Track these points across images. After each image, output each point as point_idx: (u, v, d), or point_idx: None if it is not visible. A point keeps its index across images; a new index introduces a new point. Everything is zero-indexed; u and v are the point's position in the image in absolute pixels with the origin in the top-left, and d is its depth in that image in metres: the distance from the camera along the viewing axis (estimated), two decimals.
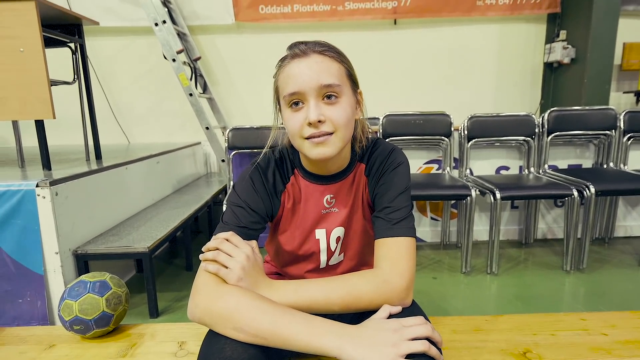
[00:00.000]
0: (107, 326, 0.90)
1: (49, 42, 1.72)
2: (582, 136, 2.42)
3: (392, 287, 0.66)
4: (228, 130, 2.27)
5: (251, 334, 0.58)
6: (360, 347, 0.56)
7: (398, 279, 0.67)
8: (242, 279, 0.64)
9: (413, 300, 0.74)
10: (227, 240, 0.68)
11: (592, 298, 1.82)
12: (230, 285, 0.64)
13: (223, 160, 2.77)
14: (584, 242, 2.08)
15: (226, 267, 0.65)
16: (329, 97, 0.68)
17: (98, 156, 2.14)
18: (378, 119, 2.38)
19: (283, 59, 0.71)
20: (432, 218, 2.55)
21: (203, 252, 0.69)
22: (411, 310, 0.68)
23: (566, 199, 2.04)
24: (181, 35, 2.88)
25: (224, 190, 2.71)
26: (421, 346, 0.57)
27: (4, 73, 1.56)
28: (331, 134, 0.68)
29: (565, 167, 2.49)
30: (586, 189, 1.99)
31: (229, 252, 0.67)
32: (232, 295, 0.62)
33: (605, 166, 2.42)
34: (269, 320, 0.59)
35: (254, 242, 0.72)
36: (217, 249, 0.68)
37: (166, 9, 2.76)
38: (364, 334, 0.58)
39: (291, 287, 0.67)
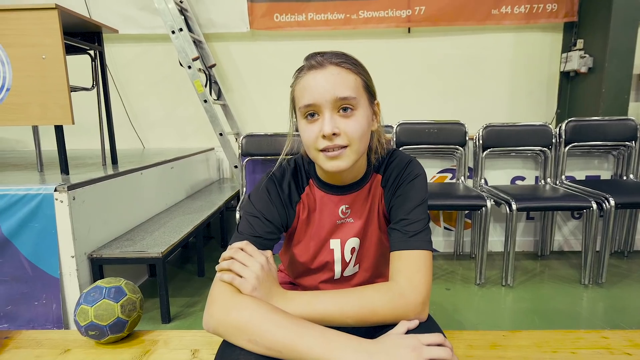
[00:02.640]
0: (121, 332, 0.90)
1: (69, 50, 1.76)
2: (601, 147, 2.37)
3: (408, 301, 0.65)
4: (242, 137, 2.29)
5: (265, 346, 0.58)
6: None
7: (414, 293, 0.66)
8: (256, 288, 0.64)
9: (429, 314, 0.73)
10: (241, 249, 0.68)
11: (612, 314, 1.76)
12: (245, 296, 0.63)
13: (236, 166, 2.79)
14: (602, 256, 2.03)
15: (241, 277, 0.65)
16: (344, 109, 0.68)
17: (114, 161, 2.17)
18: (392, 127, 2.37)
19: (300, 70, 0.71)
20: (445, 228, 2.52)
21: (219, 263, 0.69)
22: (427, 324, 0.67)
23: (584, 211, 1.99)
24: (197, 43, 2.92)
25: (236, 196, 2.72)
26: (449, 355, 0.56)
27: (26, 79, 1.60)
28: (345, 147, 0.68)
29: (583, 178, 2.44)
30: (605, 201, 1.94)
31: (243, 261, 0.66)
32: (247, 307, 0.61)
33: (625, 178, 2.36)
34: (284, 333, 0.58)
35: (268, 252, 0.72)
36: (232, 258, 0.67)
37: (183, 17, 2.81)
38: (381, 350, 0.57)
39: (305, 299, 0.66)
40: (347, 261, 0.81)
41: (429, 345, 0.58)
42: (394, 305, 0.64)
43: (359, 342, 0.58)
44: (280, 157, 0.81)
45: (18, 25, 1.57)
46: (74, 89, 1.82)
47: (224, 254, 0.69)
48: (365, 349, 0.57)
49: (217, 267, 0.68)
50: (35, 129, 2.02)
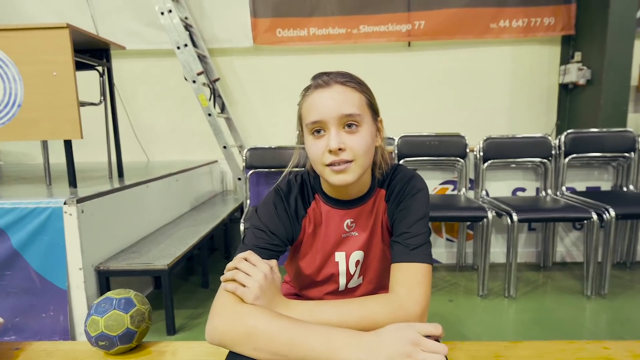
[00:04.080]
0: (130, 343, 0.92)
1: (79, 66, 1.81)
2: (600, 158, 2.40)
3: (407, 313, 0.67)
4: (246, 150, 2.32)
5: (271, 352, 0.60)
6: (378, 356, 0.56)
7: (413, 305, 0.68)
8: (259, 297, 0.65)
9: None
10: (245, 259, 0.70)
11: (614, 325, 1.77)
12: (248, 306, 0.65)
13: (239, 179, 2.82)
14: (604, 267, 2.04)
15: (244, 286, 0.67)
16: (349, 125, 0.71)
17: (120, 174, 2.20)
18: (393, 139, 2.41)
19: (307, 89, 0.75)
20: (447, 239, 2.53)
21: (224, 274, 0.71)
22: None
23: (585, 222, 2.01)
24: (201, 58, 2.98)
25: (239, 208, 2.74)
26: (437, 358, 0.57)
27: (37, 96, 1.65)
28: (351, 161, 0.71)
29: (584, 189, 2.46)
30: (606, 212, 1.96)
31: (247, 270, 0.68)
32: (251, 316, 0.63)
33: (625, 189, 2.38)
34: (288, 337, 0.60)
35: (273, 261, 0.74)
36: (236, 268, 0.69)
37: (188, 33, 2.87)
38: (382, 344, 0.58)
39: (307, 308, 0.68)
40: (352, 273, 0.84)
41: (427, 336, 0.59)
42: (394, 316, 0.66)
43: (360, 339, 0.59)
44: (287, 169, 0.84)
45: (31, 43, 1.62)
46: (82, 104, 1.87)
47: (229, 265, 0.71)
48: (366, 346, 0.58)
49: (221, 278, 0.70)
50: (44, 143, 2.06)
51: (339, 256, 0.82)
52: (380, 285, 0.88)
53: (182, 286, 2.26)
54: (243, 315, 0.64)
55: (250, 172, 2.36)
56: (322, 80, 0.72)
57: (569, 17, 3.16)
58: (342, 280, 0.84)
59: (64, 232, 1.48)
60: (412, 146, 2.38)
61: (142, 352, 0.95)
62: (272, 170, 2.32)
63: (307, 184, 0.83)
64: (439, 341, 0.61)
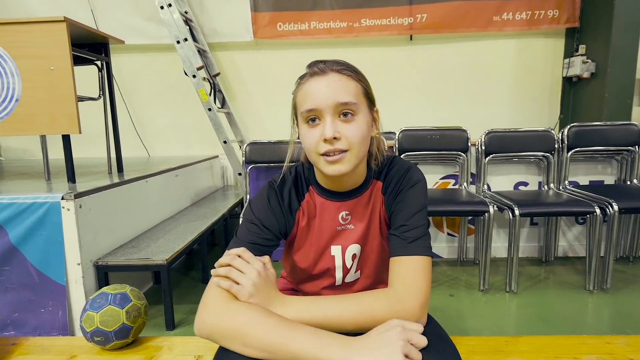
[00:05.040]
0: (126, 338, 0.91)
1: (77, 60, 1.80)
2: (604, 152, 2.37)
3: (405, 307, 0.66)
4: (246, 145, 2.31)
5: (260, 349, 0.59)
6: (365, 353, 0.57)
7: (412, 298, 0.67)
8: (253, 295, 0.65)
9: (432, 317, 0.74)
10: (239, 256, 0.70)
11: (617, 320, 1.75)
12: (239, 302, 0.65)
13: (240, 174, 2.81)
14: (607, 261, 2.02)
15: (238, 284, 0.66)
16: (345, 114, 0.69)
17: (120, 169, 2.20)
18: (394, 133, 2.38)
19: (302, 77, 0.73)
20: (448, 234, 2.52)
21: (215, 268, 0.70)
22: (430, 327, 0.68)
23: (588, 216, 1.99)
24: (201, 52, 2.96)
25: (240, 203, 2.74)
26: (422, 340, 0.60)
27: (35, 90, 1.64)
28: (346, 151, 0.69)
29: (587, 183, 2.43)
30: (609, 206, 1.94)
31: (240, 268, 0.68)
32: (241, 313, 0.63)
33: (628, 182, 2.35)
34: (277, 335, 0.59)
35: (266, 258, 0.73)
36: (229, 265, 0.69)
37: (187, 27, 2.85)
38: (368, 340, 0.59)
39: (304, 304, 0.67)
40: (348, 267, 0.82)
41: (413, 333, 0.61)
42: (392, 310, 0.65)
43: (350, 340, 0.60)
44: (285, 165, 0.83)
45: (28, 37, 1.61)
46: (81, 99, 1.86)
47: (221, 260, 0.71)
48: (354, 344, 0.58)
49: (212, 272, 0.70)
50: (43, 138, 2.05)
51: (335, 250, 0.81)
52: (378, 279, 0.86)
53: (182, 281, 2.26)
54: (233, 311, 0.63)
55: (250, 166, 2.35)
56: (317, 67, 0.71)
57: (574, 9, 3.11)
58: (339, 275, 0.83)
59: (62, 227, 1.48)
60: (413, 140, 2.35)
61: (138, 347, 0.94)
62: (272, 164, 2.31)
63: (301, 176, 0.82)
64: None
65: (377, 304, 0.66)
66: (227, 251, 0.72)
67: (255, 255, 0.71)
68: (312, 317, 0.65)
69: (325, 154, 0.69)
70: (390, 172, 0.79)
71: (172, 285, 2.15)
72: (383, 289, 0.70)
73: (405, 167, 0.78)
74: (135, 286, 1.00)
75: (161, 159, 3.05)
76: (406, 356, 0.57)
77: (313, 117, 0.70)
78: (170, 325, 1.70)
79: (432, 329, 0.67)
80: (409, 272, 0.69)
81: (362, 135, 0.70)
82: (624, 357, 0.85)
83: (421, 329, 0.62)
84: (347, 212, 0.80)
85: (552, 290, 2.04)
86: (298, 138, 0.77)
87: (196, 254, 2.65)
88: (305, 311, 0.65)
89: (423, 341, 0.60)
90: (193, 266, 2.52)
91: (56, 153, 2.15)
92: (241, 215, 2.07)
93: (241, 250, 0.70)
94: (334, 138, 0.68)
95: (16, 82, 1.64)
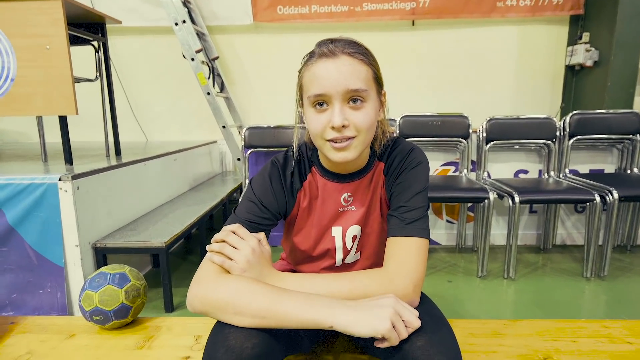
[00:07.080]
0: (125, 318, 0.91)
1: (73, 40, 1.76)
2: (605, 140, 2.36)
3: (397, 287, 0.65)
4: (245, 129, 2.29)
5: (250, 315, 0.60)
6: (352, 313, 0.58)
7: (404, 279, 0.66)
8: (246, 271, 0.66)
9: (428, 297, 0.74)
10: (233, 232, 0.70)
11: (613, 306, 1.77)
12: (230, 274, 0.66)
13: (239, 159, 2.79)
14: (605, 249, 2.02)
15: (231, 259, 0.67)
16: (354, 100, 0.67)
17: (117, 152, 2.18)
18: (395, 120, 2.36)
19: (310, 56, 0.70)
20: (447, 221, 2.52)
21: (211, 243, 0.70)
22: (425, 307, 0.68)
23: (587, 204, 1.99)
24: (200, 35, 2.92)
25: (239, 188, 2.73)
26: (416, 321, 0.59)
27: (30, 70, 1.61)
28: (353, 137, 0.68)
29: (587, 171, 2.43)
30: (609, 194, 1.94)
31: (234, 244, 0.68)
32: (231, 282, 0.64)
33: (629, 171, 2.35)
34: (268, 300, 0.60)
35: (261, 234, 0.73)
36: (224, 240, 0.69)
37: (186, 9, 2.80)
38: (359, 303, 0.61)
39: (297, 281, 0.67)
40: (349, 249, 0.82)
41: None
42: (384, 290, 0.65)
43: (338, 301, 0.61)
44: (293, 147, 0.81)
45: (22, 15, 1.57)
46: (77, 80, 1.83)
47: (216, 236, 0.70)
48: (342, 304, 0.60)
49: (207, 247, 0.70)
50: (39, 120, 2.03)
51: (336, 231, 0.80)
52: (378, 261, 0.86)
53: (181, 265, 2.27)
54: (223, 282, 0.64)
55: (249, 151, 2.33)
56: (327, 48, 0.67)
57: None
58: (339, 256, 0.82)
59: (59, 208, 1.47)
60: (414, 126, 2.34)
61: (138, 327, 0.95)
62: (272, 149, 2.29)
63: (304, 157, 0.80)
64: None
65: (370, 283, 0.66)
66: (223, 227, 0.72)
67: (251, 232, 0.71)
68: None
69: (332, 140, 0.68)
70: (393, 153, 0.78)
71: (171, 269, 2.15)
72: (377, 269, 0.70)
73: (408, 149, 0.77)
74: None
75: (159, 143, 3.03)
76: (393, 326, 0.57)
77: (320, 102, 0.68)
78: (169, 307, 1.71)
79: (427, 309, 0.67)
80: (403, 252, 0.69)
81: (370, 122, 0.69)
82: (620, 341, 0.86)
83: (416, 312, 0.61)
84: (349, 194, 0.79)
85: (550, 277, 2.05)
86: (302, 122, 0.75)
87: (195, 239, 2.65)
88: (298, 287, 0.66)
89: (416, 322, 0.59)
90: (192, 251, 2.52)
91: (53, 137, 2.13)
92: (240, 200, 2.07)
93: (236, 227, 0.70)
94: (343, 126, 0.67)
95: (11, 61, 1.61)
